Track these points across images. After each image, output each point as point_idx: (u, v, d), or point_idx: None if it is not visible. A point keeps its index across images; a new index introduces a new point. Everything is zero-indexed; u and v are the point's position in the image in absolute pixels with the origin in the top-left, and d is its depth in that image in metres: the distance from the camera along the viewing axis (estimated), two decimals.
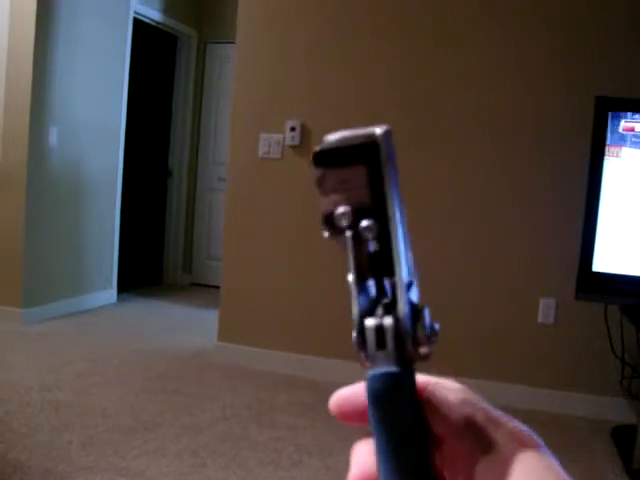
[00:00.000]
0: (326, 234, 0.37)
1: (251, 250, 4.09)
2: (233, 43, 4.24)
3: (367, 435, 0.37)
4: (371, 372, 0.35)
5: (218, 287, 4.40)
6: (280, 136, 3.98)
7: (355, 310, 0.36)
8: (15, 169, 4.64)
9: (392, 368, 0.34)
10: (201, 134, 6.81)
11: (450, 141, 3.76)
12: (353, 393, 0.38)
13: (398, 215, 0.35)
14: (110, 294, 5.67)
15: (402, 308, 0.35)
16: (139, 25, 5.82)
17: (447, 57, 3.75)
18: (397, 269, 0.35)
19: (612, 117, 3.01)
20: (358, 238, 0.36)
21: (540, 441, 0.34)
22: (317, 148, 0.36)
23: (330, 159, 0.36)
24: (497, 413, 0.35)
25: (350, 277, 0.37)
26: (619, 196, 3.06)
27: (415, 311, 0.35)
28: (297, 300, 4.03)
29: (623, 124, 3.02)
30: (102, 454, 2.74)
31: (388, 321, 0.35)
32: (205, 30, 6.69)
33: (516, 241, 3.70)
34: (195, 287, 6.78)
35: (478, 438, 0.34)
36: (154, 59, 6.68)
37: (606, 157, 3.03)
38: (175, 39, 6.62)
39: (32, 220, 4.70)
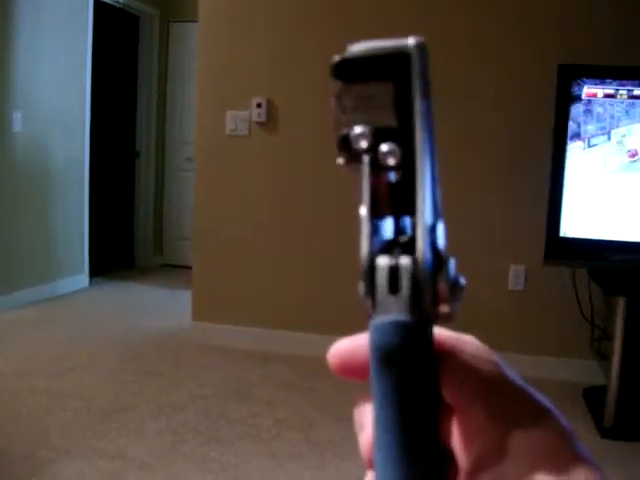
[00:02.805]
0: (340, 160, 0.31)
1: (221, 228, 4.09)
2: (196, 21, 4.21)
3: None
4: (378, 319, 0.29)
5: (190, 267, 4.40)
6: (247, 113, 3.97)
7: (365, 247, 0.30)
8: None
9: (406, 317, 0.29)
10: (167, 114, 6.77)
11: None
12: (360, 345, 0.32)
13: (427, 141, 0.30)
14: (82, 279, 5.64)
15: (422, 248, 0.29)
16: (100, 6, 5.73)
17: (412, 29, 3.75)
18: (419, 204, 0.29)
19: (575, 83, 3.05)
20: (377, 165, 0.30)
21: (561, 417, 0.30)
22: (337, 57, 0.31)
23: (352, 71, 0.31)
24: (520, 382, 0.31)
25: (362, 209, 0.31)
26: (584, 162, 3.10)
27: (437, 258, 0.29)
28: (269, 277, 4.04)
29: (586, 90, 3.05)
30: (81, 437, 2.75)
31: (405, 261, 0.29)
32: (167, 9, 6.62)
33: (485, 209, 3.73)
34: (167, 268, 6.77)
35: (497, 409, 0.29)
36: (116, 40, 6.60)
37: (570, 124, 3.07)
38: (137, 19, 6.54)
39: (0, 207, 4.65)
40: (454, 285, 0.29)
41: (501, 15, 3.65)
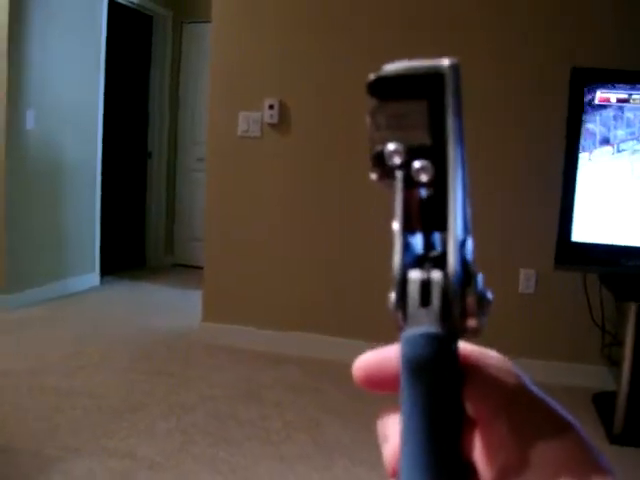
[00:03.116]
0: (373, 176, 0.32)
1: (233, 229, 4.10)
2: (209, 22, 4.22)
3: (396, 407, 0.32)
4: (410, 331, 0.30)
5: (201, 267, 4.40)
6: (259, 114, 3.98)
7: (397, 261, 0.31)
8: None
9: (437, 329, 0.30)
10: (179, 114, 6.79)
11: None
12: (386, 358, 0.32)
13: (459, 159, 0.30)
14: (93, 277, 5.66)
15: (453, 263, 0.30)
16: (114, 6, 5.76)
17: (421, 29, 3.75)
18: (451, 220, 0.30)
19: (588, 88, 3.04)
20: (410, 181, 0.31)
21: (582, 430, 0.31)
22: (373, 75, 0.32)
23: (387, 89, 0.32)
24: (542, 395, 0.31)
25: (395, 225, 0.32)
26: (597, 166, 3.09)
27: (467, 272, 0.30)
28: (279, 278, 4.05)
29: (599, 95, 3.04)
30: (91, 436, 2.76)
31: (436, 275, 0.30)
32: (181, 10, 6.64)
33: (496, 212, 3.72)
34: (178, 268, 6.78)
35: (519, 422, 0.30)
36: (130, 40, 6.62)
37: (583, 129, 3.06)
38: (151, 19, 6.57)
39: (12, 205, 4.67)
40: (482, 299, 0.30)
41: (516, 16, 3.64)
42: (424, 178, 0.30)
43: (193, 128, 6.71)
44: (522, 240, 3.71)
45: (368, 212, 3.73)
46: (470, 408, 0.30)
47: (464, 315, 0.30)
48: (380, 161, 0.31)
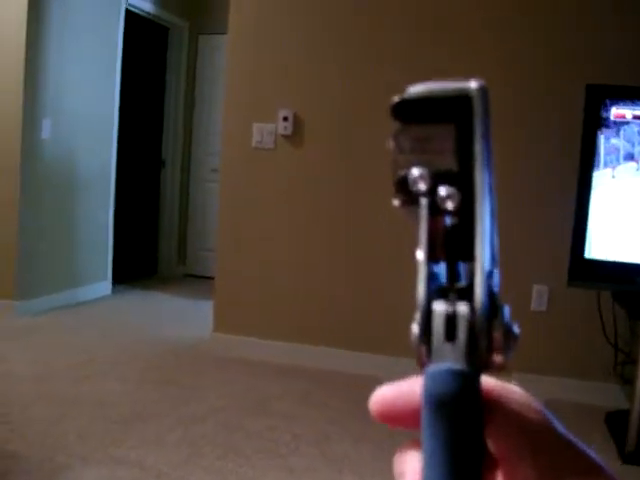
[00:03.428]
0: (396, 202, 0.31)
1: (245, 240, 4.10)
2: (225, 34, 4.24)
3: (414, 443, 0.31)
4: (434, 367, 0.29)
5: (212, 278, 4.40)
6: (273, 126, 3.98)
7: (421, 292, 0.30)
8: (8, 161, 4.64)
9: (462, 365, 0.28)
10: (194, 125, 6.81)
11: None
12: (403, 392, 0.31)
13: (487, 186, 0.29)
14: (105, 286, 5.67)
15: (480, 296, 0.28)
16: (131, 16, 5.80)
17: (436, 44, 3.76)
18: (479, 251, 0.29)
19: (603, 105, 3.03)
20: (435, 208, 0.30)
21: (613, 474, 0.30)
22: (397, 98, 0.30)
23: (412, 112, 0.30)
24: (569, 436, 0.30)
25: (419, 254, 0.30)
26: (611, 183, 3.07)
27: (493, 305, 0.29)
28: (291, 290, 4.04)
29: (614, 111, 3.03)
30: (99, 444, 2.75)
31: (463, 308, 0.29)
32: (197, 21, 6.67)
33: (509, 228, 3.71)
34: (189, 278, 6.79)
35: (547, 466, 0.29)
36: (146, 50, 6.66)
37: (598, 144, 3.04)
38: (167, 30, 6.61)
39: (26, 212, 4.69)
40: (508, 334, 0.29)
41: (531, 32, 3.64)
42: (450, 206, 0.29)
43: (207, 138, 6.73)
44: (535, 256, 3.69)
45: (381, 225, 3.72)
46: (492, 445, 0.29)
47: (490, 350, 0.29)
48: (404, 186, 0.30)
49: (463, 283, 0.30)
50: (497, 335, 0.28)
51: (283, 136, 3.98)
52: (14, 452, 2.62)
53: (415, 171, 0.30)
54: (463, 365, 0.28)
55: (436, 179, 0.29)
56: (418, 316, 0.29)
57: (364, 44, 3.86)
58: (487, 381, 0.30)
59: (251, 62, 4.04)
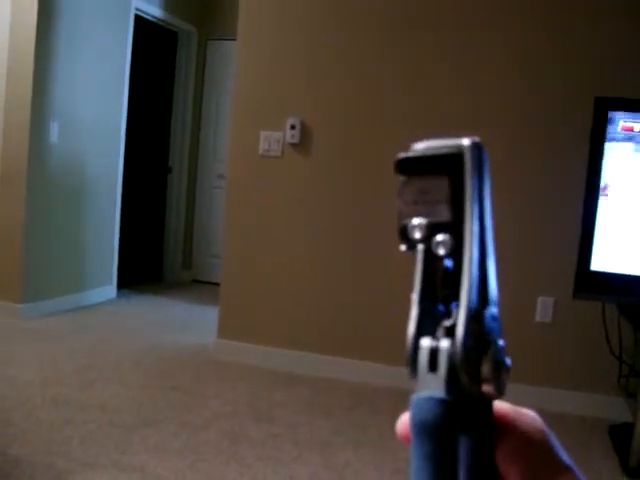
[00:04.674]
0: (403, 247, 0.35)
1: (251, 247, 4.10)
2: (234, 40, 4.25)
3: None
4: (418, 395, 0.32)
5: (218, 284, 4.41)
6: (280, 134, 3.99)
7: (411, 330, 0.33)
8: (16, 165, 4.65)
9: (442, 394, 0.32)
10: (201, 131, 6.82)
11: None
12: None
13: (476, 233, 0.32)
14: (110, 290, 5.68)
15: (460, 333, 0.31)
16: (140, 21, 5.82)
17: (447, 56, 3.76)
18: (463, 292, 0.32)
19: (611, 117, 3.03)
20: (431, 254, 0.33)
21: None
22: (401, 155, 0.34)
23: (413, 167, 0.34)
24: (567, 463, 0.34)
25: (414, 295, 0.34)
26: (617, 196, 3.07)
27: (483, 340, 0.32)
28: (297, 297, 4.05)
29: (622, 124, 3.03)
30: (102, 450, 2.75)
31: (444, 343, 0.32)
32: (206, 27, 6.69)
33: (514, 240, 3.71)
34: (195, 284, 6.80)
35: (529, 469, 0.33)
36: (154, 55, 6.69)
37: (605, 158, 3.04)
38: (175, 35, 6.63)
39: (32, 216, 4.71)
40: (498, 366, 0.32)
41: (540, 46, 3.65)
42: (442, 251, 0.33)
43: (214, 145, 6.75)
44: (541, 268, 3.69)
45: (386, 235, 3.72)
46: (500, 464, 0.33)
47: (477, 381, 0.31)
48: (405, 234, 0.34)
49: (451, 321, 0.33)
50: (485, 367, 0.32)
51: (290, 144, 3.99)
52: (17, 456, 2.62)
53: (414, 221, 0.34)
54: (443, 394, 0.31)
55: (433, 228, 0.33)
56: (407, 351, 0.33)
57: (373, 53, 3.86)
58: (501, 406, 0.34)
59: (259, 69, 4.06)
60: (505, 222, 3.70)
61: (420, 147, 0.34)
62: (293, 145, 3.99)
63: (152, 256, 6.85)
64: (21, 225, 4.66)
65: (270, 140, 4.01)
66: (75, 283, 5.23)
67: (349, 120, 3.91)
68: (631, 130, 3.03)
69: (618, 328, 3.47)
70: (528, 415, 0.35)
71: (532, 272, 3.70)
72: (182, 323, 5.18)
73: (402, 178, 0.34)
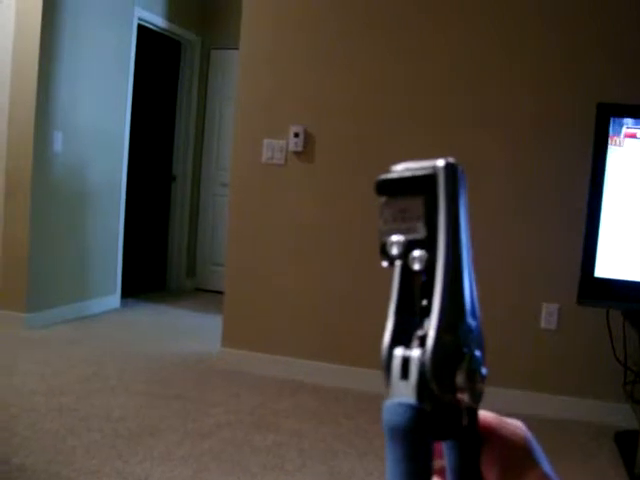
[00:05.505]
0: (385, 263, 0.37)
1: (254, 255, 4.10)
2: (237, 49, 4.26)
3: (435, 473, 0.35)
4: (389, 401, 0.34)
5: (222, 292, 4.41)
6: (283, 142, 4.00)
7: (386, 340, 0.36)
8: (20, 174, 4.66)
9: (412, 400, 0.33)
10: (205, 140, 6.83)
11: (454, 146, 3.77)
12: None
13: (450, 247, 0.34)
14: (114, 299, 5.68)
15: (431, 343, 0.33)
16: (143, 31, 5.84)
17: (450, 61, 3.77)
18: (435, 303, 0.34)
19: (614, 123, 3.02)
20: (408, 269, 0.35)
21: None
22: (380, 177, 0.37)
23: (391, 188, 0.36)
24: (542, 466, 0.35)
25: (390, 307, 0.37)
26: (621, 202, 3.07)
27: (456, 351, 0.33)
28: (300, 306, 4.04)
29: (625, 131, 3.03)
30: (106, 459, 2.75)
31: (415, 353, 0.34)
32: (209, 36, 6.71)
33: (518, 247, 3.70)
34: (199, 292, 6.80)
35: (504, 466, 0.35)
36: (158, 65, 6.70)
37: (607, 164, 3.04)
38: (179, 45, 6.65)
39: (37, 225, 4.72)
40: (472, 376, 0.33)
41: (544, 50, 3.65)
42: (417, 266, 0.35)
43: (218, 153, 6.76)
44: (545, 274, 3.68)
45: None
46: (484, 472, 0.35)
47: (451, 390, 0.33)
48: (385, 251, 0.36)
49: (424, 331, 0.34)
50: (459, 377, 0.33)
51: (294, 152, 3.99)
52: (21, 465, 2.62)
53: (393, 238, 0.36)
54: (413, 400, 0.33)
55: (410, 244, 0.35)
56: (382, 359, 0.35)
57: (376, 60, 3.87)
58: (485, 415, 0.36)
59: (262, 78, 4.06)
60: (509, 229, 3.70)
61: (398, 169, 0.36)
62: (296, 153, 3.99)
63: (156, 265, 6.86)
64: (25, 234, 4.67)
65: (273, 148, 4.01)
66: (79, 292, 5.23)
67: (352, 128, 3.91)
68: (634, 136, 3.02)
69: (623, 334, 3.46)
70: (511, 424, 0.36)
71: (536, 279, 3.70)
72: (186, 331, 5.17)
73: (382, 199, 0.37)
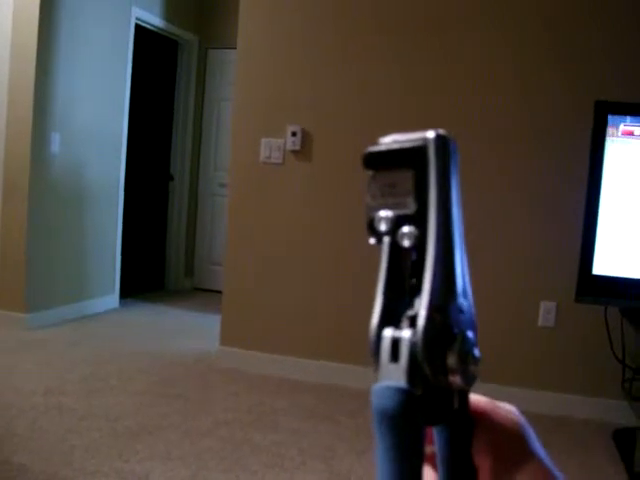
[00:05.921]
0: (372, 240, 0.35)
1: (252, 254, 4.10)
2: (234, 48, 4.26)
3: (426, 459, 0.34)
4: (378, 384, 0.32)
5: (220, 292, 4.41)
6: (281, 141, 4.00)
7: (375, 320, 0.34)
8: (18, 175, 4.66)
9: (402, 383, 0.31)
10: (202, 139, 6.83)
11: None
12: None
13: (441, 223, 0.32)
14: (112, 299, 5.68)
15: (422, 324, 0.31)
16: (140, 31, 5.84)
17: (448, 62, 3.77)
18: (425, 282, 0.32)
19: (611, 121, 3.03)
20: (397, 246, 0.33)
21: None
22: (368, 150, 0.34)
23: (379, 162, 0.34)
24: (537, 452, 0.35)
25: (379, 285, 0.35)
26: (619, 199, 3.07)
27: (447, 332, 0.32)
28: (299, 304, 4.04)
29: (622, 128, 3.03)
30: (106, 458, 2.75)
31: (406, 333, 0.32)
32: (206, 36, 6.71)
33: (516, 244, 3.71)
34: (197, 292, 6.80)
35: (503, 474, 0.34)
36: (155, 65, 6.70)
37: (605, 162, 3.04)
38: (176, 45, 6.64)
39: (35, 226, 4.71)
40: (464, 357, 0.31)
41: (542, 48, 3.65)
42: (407, 243, 0.33)
43: (216, 152, 6.76)
44: (543, 272, 3.69)
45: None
46: (475, 457, 0.34)
47: (443, 372, 0.31)
48: (372, 227, 0.34)
49: (414, 311, 0.33)
50: (451, 359, 0.31)
51: (291, 151, 3.99)
52: (20, 465, 2.62)
53: (381, 213, 0.34)
54: (404, 383, 0.31)
55: (399, 220, 0.33)
56: (370, 341, 0.33)
57: (374, 59, 3.87)
58: (478, 399, 0.35)
59: (260, 77, 4.06)
60: (506, 226, 3.70)
61: (386, 141, 0.34)
62: (294, 152, 3.99)
63: (154, 264, 6.85)
64: (24, 235, 4.67)
65: (271, 147, 4.01)
66: (78, 292, 5.23)
67: (350, 126, 3.92)
68: (631, 134, 3.03)
69: (621, 332, 3.46)
70: (504, 408, 0.35)
71: (534, 276, 3.70)
72: (184, 331, 5.17)
73: (370, 172, 0.35)
